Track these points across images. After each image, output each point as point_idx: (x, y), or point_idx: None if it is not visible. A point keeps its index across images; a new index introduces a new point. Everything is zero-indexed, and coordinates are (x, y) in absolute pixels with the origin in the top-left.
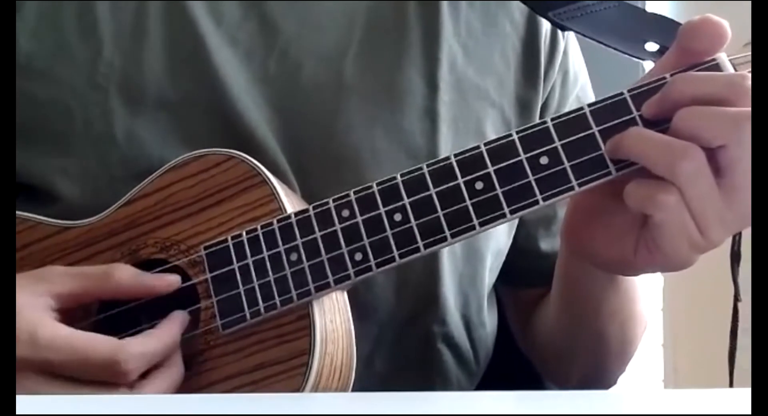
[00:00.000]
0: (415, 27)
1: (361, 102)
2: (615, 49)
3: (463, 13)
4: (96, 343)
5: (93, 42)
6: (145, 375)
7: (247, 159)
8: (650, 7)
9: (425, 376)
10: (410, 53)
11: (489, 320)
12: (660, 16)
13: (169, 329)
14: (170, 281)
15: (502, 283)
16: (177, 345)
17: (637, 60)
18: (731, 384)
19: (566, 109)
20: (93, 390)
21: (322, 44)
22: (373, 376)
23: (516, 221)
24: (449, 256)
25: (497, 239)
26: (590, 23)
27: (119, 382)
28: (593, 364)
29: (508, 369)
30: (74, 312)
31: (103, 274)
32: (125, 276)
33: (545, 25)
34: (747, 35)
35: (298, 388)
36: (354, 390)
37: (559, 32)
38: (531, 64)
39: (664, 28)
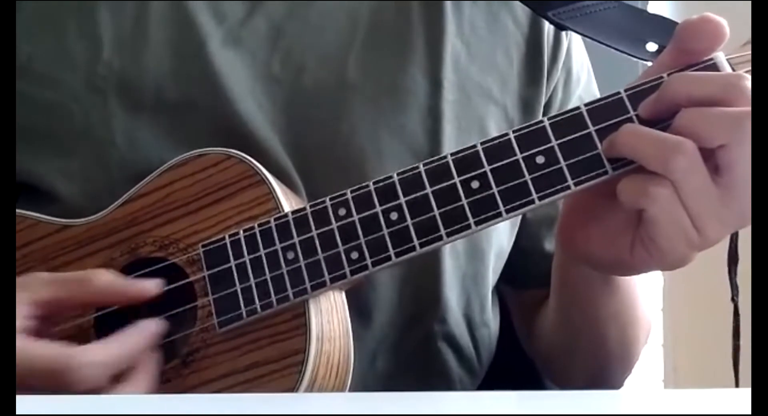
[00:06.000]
0: (419, 26)
1: (364, 102)
2: (615, 49)
3: (466, 11)
4: (42, 352)
5: (92, 44)
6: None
7: (246, 158)
8: (652, 8)
9: (427, 375)
10: (414, 53)
11: (492, 320)
12: (659, 16)
13: (130, 337)
14: (149, 287)
15: (506, 284)
16: (140, 353)
17: (635, 59)
18: (737, 385)
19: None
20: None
21: (325, 44)
22: (374, 375)
23: (518, 221)
24: (451, 255)
25: (499, 238)
26: (590, 23)
27: (75, 390)
28: (595, 367)
29: (511, 369)
30: (64, 315)
31: (81, 280)
32: (102, 282)
33: (548, 24)
34: (746, 34)
35: (293, 387)
36: (355, 389)
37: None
38: (534, 63)
39: (663, 28)
